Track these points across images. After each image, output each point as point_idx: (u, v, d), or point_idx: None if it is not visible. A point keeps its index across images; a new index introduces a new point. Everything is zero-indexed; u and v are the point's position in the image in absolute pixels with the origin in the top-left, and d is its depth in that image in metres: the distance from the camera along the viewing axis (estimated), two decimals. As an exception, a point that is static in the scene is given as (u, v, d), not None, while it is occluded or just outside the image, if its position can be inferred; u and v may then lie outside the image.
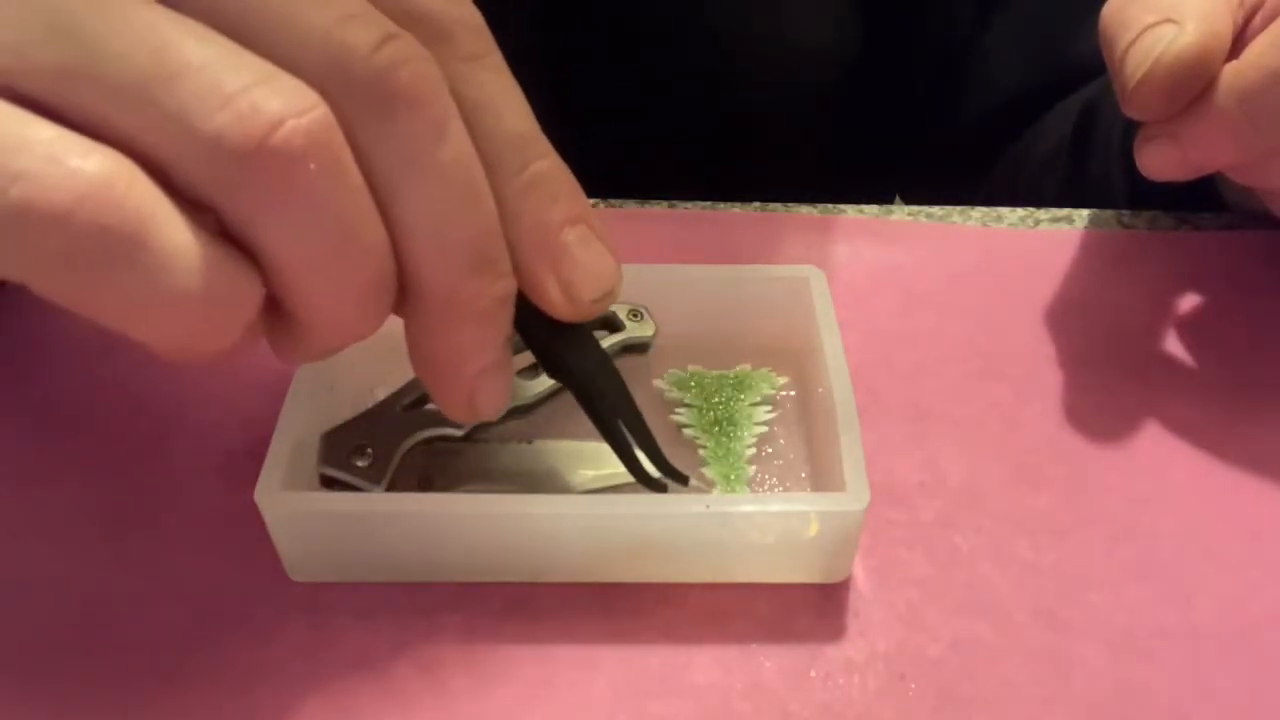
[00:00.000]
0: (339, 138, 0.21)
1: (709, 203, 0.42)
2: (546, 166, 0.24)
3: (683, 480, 0.29)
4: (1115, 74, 0.32)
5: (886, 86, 0.54)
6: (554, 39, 0.47)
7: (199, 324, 0.21)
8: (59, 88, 0.20)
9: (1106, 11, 0.32)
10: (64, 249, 0.19)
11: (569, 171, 0.25)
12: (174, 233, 0.20)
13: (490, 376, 0.25)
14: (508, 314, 0.24)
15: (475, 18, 0.24)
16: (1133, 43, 0.31)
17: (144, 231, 0.19)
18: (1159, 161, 0.32)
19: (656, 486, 0.29)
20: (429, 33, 0.23)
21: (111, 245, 0.19)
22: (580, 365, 0.27)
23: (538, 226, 0.24)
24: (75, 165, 0.19)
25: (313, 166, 0.20)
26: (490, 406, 0.25)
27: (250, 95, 0.20)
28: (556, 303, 0.25)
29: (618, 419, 0.28)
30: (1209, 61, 0.30)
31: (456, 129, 0.22)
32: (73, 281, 0.20)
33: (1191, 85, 0.30)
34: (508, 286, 0.24)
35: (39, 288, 0.20)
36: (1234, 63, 0.30)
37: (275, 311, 0.23)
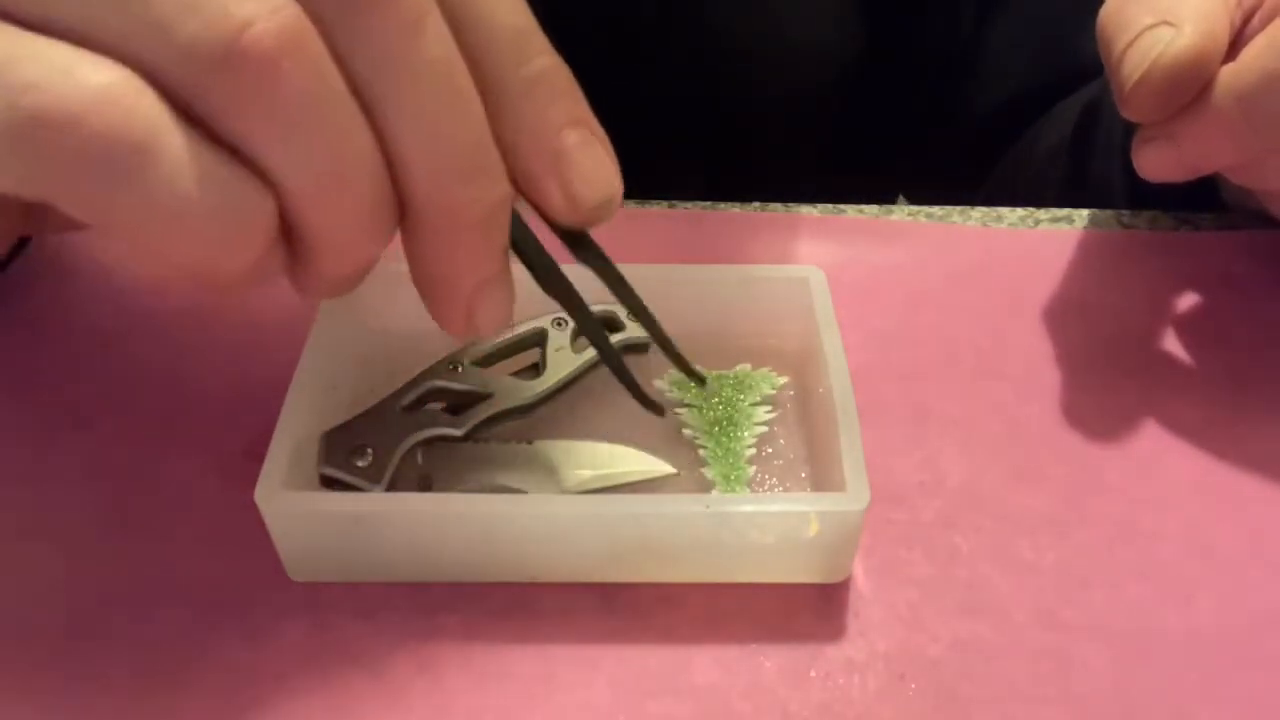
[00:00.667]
0: (313, 38, 0.20)
1: (709, 203, 0.42)
2: (546, 64, 0.23)
3: (700, 381, 0.30)
4: (1113, 75, 0.32)
5: (889, 86, 0.54)
6: (552, 38, 0.47)
7: (210, 238, 0.21)
8: (45, 8, 0.20)
9: (1104, 12, 0.32)
10: (75, 158, 0.19)
11: (568, 70, 0.24)
12: (181, 144, 0.20)
13: (489, 290, 0.24)
14: (504, 222, 0.24)
15: None
16: (1130, 44, 0.31)
17: (152, 141, 0.20)
18: (1156, 162, 0.32)
19: (655, 409, 0.29)
20: None
21: (121, 154, 0.20)
22: (587, 266, 0.26)
23: (538, 127, 0.23)
24: (85, 75, 0.19)
25: (287, 66, 0.20)
26: (490, 322, 0.24)
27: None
28: (558, 207, 0.24)
29: (616, 350, 0.27)
30: (1206, 63, 0.30)
31: (434, 26, 0.21)
32: (84, 192, 0.20)
33: (1188, 87, 0.30)
34: (503, 193, 0.23)
35: (52, 199, 0.20)
36: (1231, 64, 0.30)
37: (290, 242, 0.23)
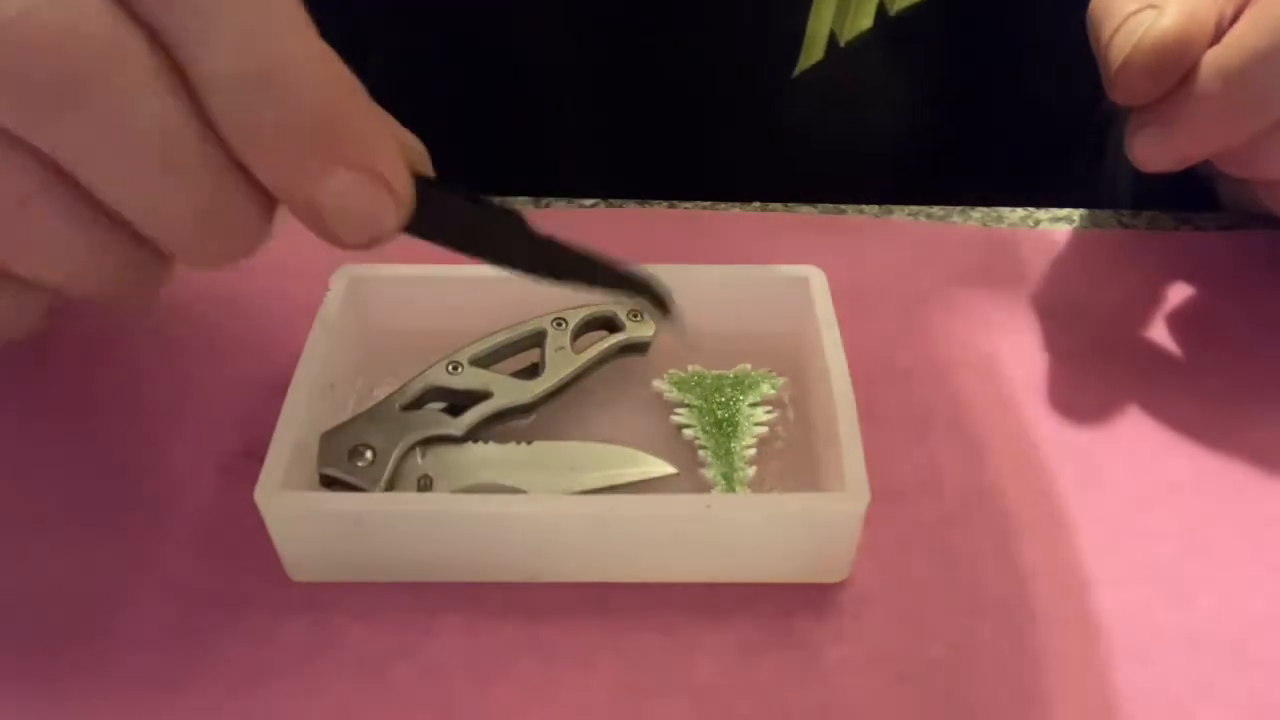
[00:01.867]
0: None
1: (709, 203, 0.42)
2: (274, 118, 0.20)
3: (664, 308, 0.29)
4: (1101, 61, 0.33)
5: (964, 153, 0.52)
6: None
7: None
8: None
9: (1093, 2, 0.33)
10: None
11: (319, 94, 0.21)
12: None
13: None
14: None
15: None
16: (1116, 29, 0.31)
17: None
18: (1150, 151, 0.33)
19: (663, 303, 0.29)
20: None
21: None
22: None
23: (284, 185, 0.22)
24: None
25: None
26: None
27: None
28: (330, 241, 0.23)
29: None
30: (1188, 43, 0.30)
31: (142, 107, 0.20)
32: None
33: (1173, 67, 0.31)
34: (252, 242, 0.23)
35: None
36: (1216, 46, 0.31)
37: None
